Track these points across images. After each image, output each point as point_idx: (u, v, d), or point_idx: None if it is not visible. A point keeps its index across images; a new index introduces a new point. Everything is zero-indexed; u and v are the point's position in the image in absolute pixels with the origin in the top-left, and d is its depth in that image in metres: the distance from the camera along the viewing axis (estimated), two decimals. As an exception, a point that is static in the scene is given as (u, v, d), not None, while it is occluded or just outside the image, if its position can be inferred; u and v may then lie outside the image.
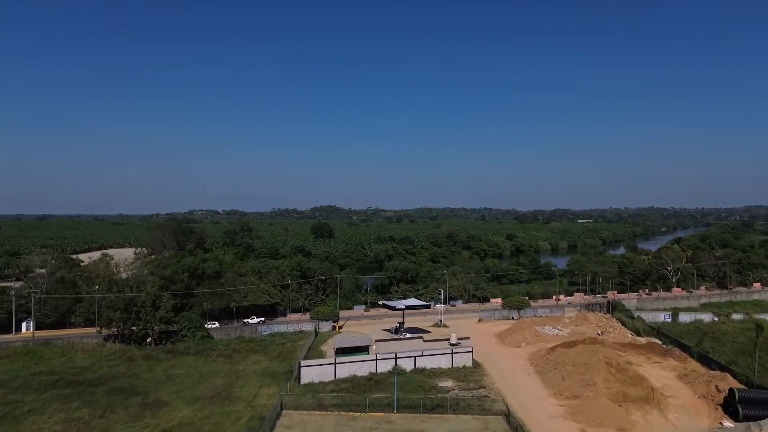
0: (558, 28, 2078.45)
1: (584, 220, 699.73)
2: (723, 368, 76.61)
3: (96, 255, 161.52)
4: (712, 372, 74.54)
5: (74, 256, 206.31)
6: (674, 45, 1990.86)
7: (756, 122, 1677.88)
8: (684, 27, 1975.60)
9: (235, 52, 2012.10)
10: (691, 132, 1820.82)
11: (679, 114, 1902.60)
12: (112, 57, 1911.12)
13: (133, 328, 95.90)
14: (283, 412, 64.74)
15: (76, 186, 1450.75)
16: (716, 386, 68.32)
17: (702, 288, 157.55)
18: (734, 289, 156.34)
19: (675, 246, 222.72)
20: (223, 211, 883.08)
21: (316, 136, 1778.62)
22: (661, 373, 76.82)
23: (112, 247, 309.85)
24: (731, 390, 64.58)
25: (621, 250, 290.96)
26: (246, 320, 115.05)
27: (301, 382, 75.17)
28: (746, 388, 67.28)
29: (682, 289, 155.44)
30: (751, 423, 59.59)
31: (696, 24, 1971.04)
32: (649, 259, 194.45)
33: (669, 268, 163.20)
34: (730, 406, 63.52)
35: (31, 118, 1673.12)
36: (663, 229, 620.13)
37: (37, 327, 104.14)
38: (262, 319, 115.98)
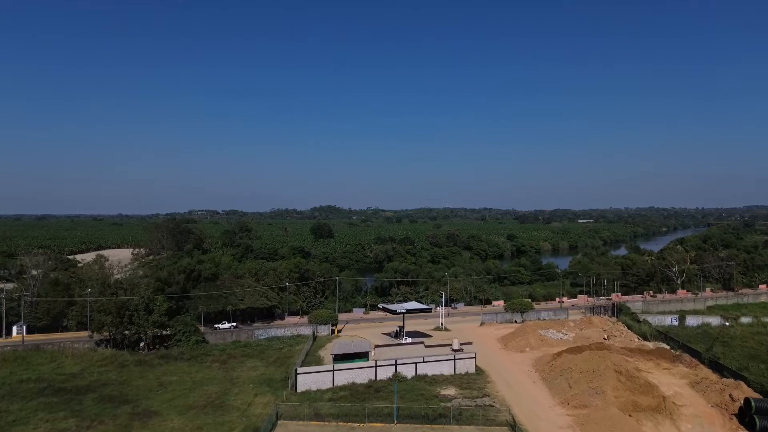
0: (558, 27, 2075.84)
1: (585, 220, 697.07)
2: (736, 375, 73.77)
3: (93, 256, 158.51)
4: (725, 380, 71.65)
5: (71, 257, 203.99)
6: (674, 44, 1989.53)
7: (756, 122, 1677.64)
8: (684, 26, 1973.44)
9: (235, 52, 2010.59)
10: (691, 132, 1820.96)
11: (680, 114, 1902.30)
12: (113, 56, 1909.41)
13: (126, 332, 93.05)
14: (279, 422, 61.99)
15: (75, 186, 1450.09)
16: (730, 395, 65.52)
17: (707, 290, 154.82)
18: (740, 291, 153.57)
19: (678, 247, 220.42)
20: (222, 211, 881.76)
21: (316, 135, 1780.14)
22: (672, 380, 74.05)
23: (110, 248, 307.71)
24: (747, 400, 61.77)
25: (622, 251, 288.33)
26: (216, 326, 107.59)
27: (298, 390, 72.38)
28: (762, 397, 64.42)
29: (687, 291, 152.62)
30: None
31: (696, 23, 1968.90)
32: (652, 260, 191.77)
33: (674, 270, 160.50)
34: (746, 417, 60.72)
35: (31, 118, 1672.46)
36: (664, 229, 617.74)
37: (29, 330, 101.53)
38: (234, 324, 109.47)
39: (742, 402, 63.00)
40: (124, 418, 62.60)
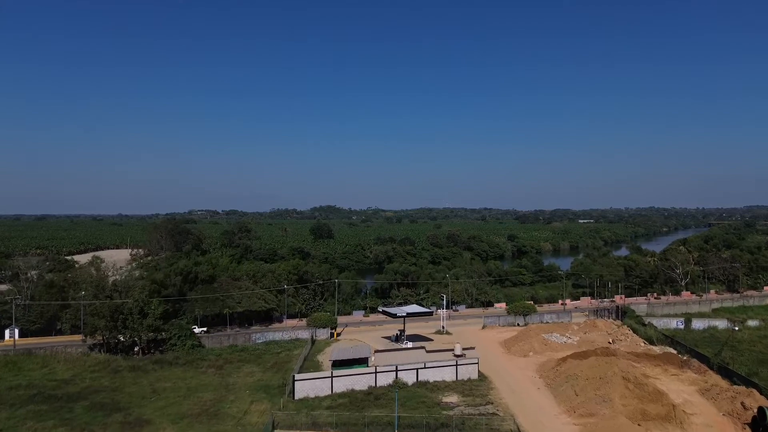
0: (558, 27, 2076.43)
1: (585, 221, 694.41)
2: (746, 382, 71.62)
3: (91, 257, 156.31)
4: (736, 387, 69.48)
5: (69, 258, 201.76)
6: (674, 44, 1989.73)
7: (756, 122, 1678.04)
8: (684, 26, 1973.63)
9: (235, 52, 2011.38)
10: (691, 132, 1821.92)
11: (680, 114, 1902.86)
12: (113, 56, 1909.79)
13: (120, 336, 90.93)
14: (275, 431, 59.95)
15: (75, 186, 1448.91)
16: (742, 403, 63.34)
17: (712, 292, 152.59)
18: (745, 293, 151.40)
19: (681, 247, 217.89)
20: (222, 211, 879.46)
21: (316, 135, 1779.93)
22: (681, 387, 71.90)
23: (109, 248, 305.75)
24: (761, 409, 59.59)
25: (623, 251, 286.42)
26: None
27: (296, 397, 70.25)
28: (775, 405, 62.14)
29: (692, 293, 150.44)
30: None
31: (696, 23, 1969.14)
32: (655, 261, 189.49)
33: (677, 271, 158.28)
34: (760, 427, 58.58)
35: (31, 118, 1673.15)
36: (665, 229, 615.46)
37: (22, 334, 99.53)
38: (205, 328, 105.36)
39: (755, 411, 60.80)
40: (115, 427, 60.49)
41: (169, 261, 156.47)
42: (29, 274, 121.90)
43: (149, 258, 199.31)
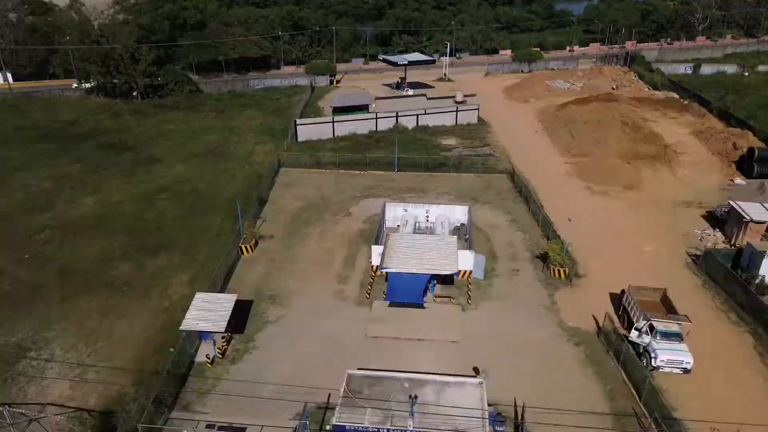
0: None
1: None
2: (743, 124, 72.40)
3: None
4: (731, 129, 70.56)
5: (47, 1, 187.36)
6: None
7: None
8: None
9: None
10: None
11: None
12: None
13: (115, 81, 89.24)
14: (281, 170, 62.74)
15: None
16: (734, 143, 64.96)
17: (728, 37, 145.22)
18: (763, 39, 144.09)
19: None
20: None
21: None
22: (677, 130, 72.93)
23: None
24: (750, 148, 61.34)
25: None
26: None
27: (299, 140, 71.88)
28: (766, 147, 63.78)
29: (707, 38, 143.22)
30: (765, 180, 57.97)
31: None
32: (675, 4, 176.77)
33: (697, 15, 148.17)
34: (746, 164, 61.03)
35: None
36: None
37: (15, 78, 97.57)
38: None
39: (745, 150, 62.67)
40: (128, 164, 63.18)
41: (154, 5, 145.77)
42: (8, 17, 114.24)
43: (132, 1, 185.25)
